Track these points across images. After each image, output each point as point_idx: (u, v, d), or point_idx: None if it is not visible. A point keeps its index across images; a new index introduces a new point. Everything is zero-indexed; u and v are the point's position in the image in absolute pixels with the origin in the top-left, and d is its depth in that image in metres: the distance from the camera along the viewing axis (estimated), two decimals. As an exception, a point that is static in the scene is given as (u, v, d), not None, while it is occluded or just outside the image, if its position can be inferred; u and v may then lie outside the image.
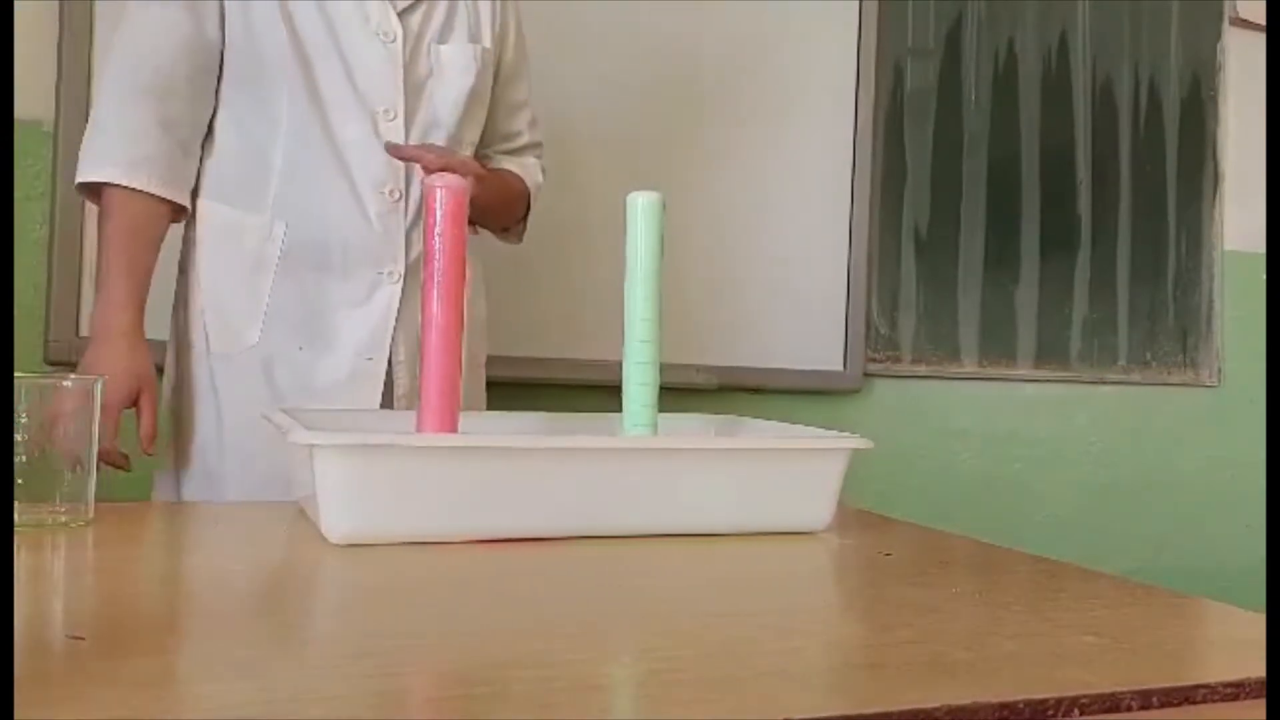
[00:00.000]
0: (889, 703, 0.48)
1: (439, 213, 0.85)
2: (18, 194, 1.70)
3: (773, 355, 2.24)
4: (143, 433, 1.20)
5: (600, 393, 2.00)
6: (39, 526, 0.80)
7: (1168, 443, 2.64)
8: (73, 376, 0.80)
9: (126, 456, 1.19)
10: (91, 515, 0.83)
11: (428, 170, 1.17)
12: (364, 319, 1.27)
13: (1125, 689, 0.52)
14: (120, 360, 1.19)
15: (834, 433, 0.94)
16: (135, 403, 1.20)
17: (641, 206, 0.94)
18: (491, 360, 1.49)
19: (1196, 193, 2.67)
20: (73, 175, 1.70)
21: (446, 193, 0.86)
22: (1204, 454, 2.68)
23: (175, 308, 1.31)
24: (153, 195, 1.22)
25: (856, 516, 0.99)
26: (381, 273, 1.27)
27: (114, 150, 1.22)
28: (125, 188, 1.21)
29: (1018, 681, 0.53)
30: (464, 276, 0.87)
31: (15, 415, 0.76)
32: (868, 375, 2.34)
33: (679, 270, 2.14)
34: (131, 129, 1.22)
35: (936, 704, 0.48)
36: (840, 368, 2.31)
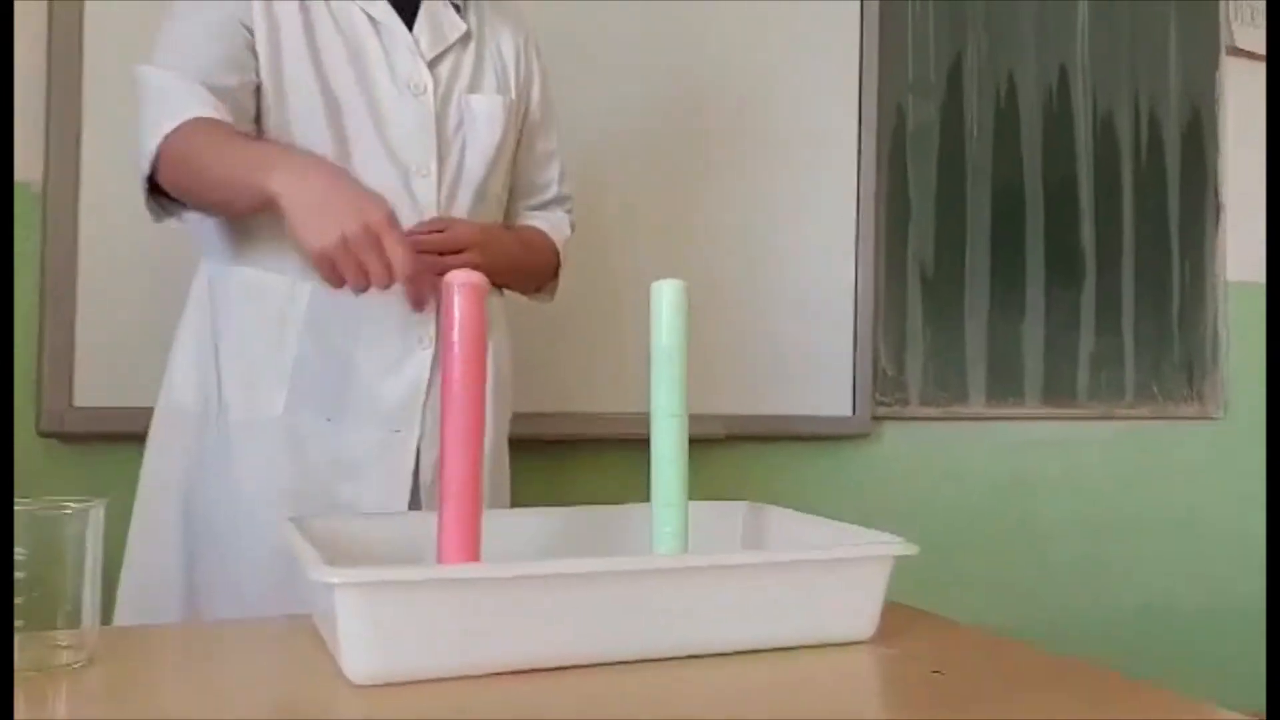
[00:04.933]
0: None
1: (456, 316, 0.81)
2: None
3: (779, 401, 2.20)
4: (400, 261, 1.03)
5: (624, 448, 1.94)
6: (39, 670, 0.74)
7: (1176, 477, 2.60)
8: (73, 503, 0.75)
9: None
10: (95, 648, 0.78)
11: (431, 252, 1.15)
12: (394, 388, 1.22)
13: None
14: (357, 183, 1.05)
15: (874, 533, 0.90)
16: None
17: (667, 296, 0.89)
18: (513, 417, 1.44)
19: (1199, 223, 2.65)
20: (64, 238, 1.66)
21: (465, 291, 0.82)
22: (1212, 488, 2.64)
23: (184, 370, 1.24)
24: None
25: (899, 617, 0.94)
26: (412, 339, 1.22)
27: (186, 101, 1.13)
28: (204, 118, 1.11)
29: None
30: (484, 387, 0.83)
31: (13, 551, 0.71)
32: (876, 419, 2.30)
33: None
34: (192, 93, 1.13)
35: None
36: (849, 412, 2.27)
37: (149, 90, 1.16)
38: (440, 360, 0.83)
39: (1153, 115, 2.59)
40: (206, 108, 1.12)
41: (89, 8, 1.65)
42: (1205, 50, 2.66)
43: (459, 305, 0.81)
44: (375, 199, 1.04)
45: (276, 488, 1.18)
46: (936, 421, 2.39)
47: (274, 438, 1.19)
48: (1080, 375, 2.52)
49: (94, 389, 1.66)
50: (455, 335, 0.81)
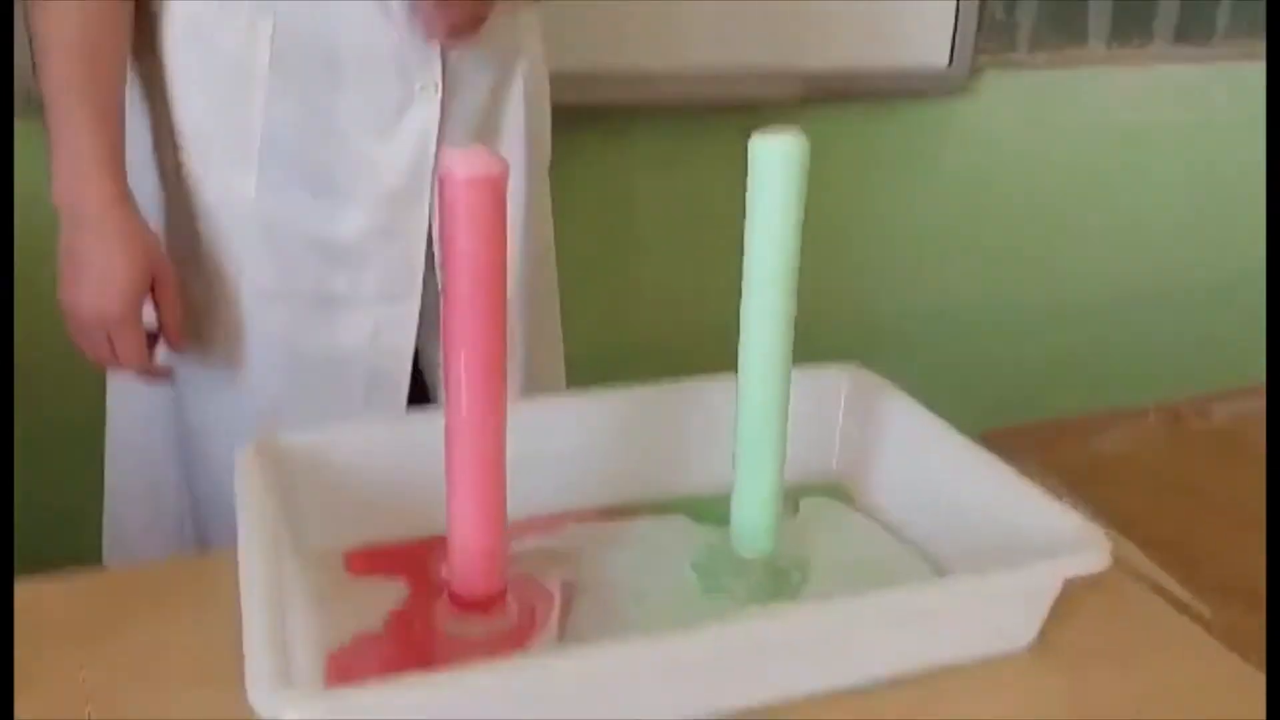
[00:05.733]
0: None
1: (462, 227, 0.53)
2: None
3: (863, 53, 1.85)
4: (169, 326, 0.92)
5: (667, 118, 1.70)
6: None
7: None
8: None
9: (169, 367, 0.95)
10: None
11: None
12: (394, 150, 0.94)
13: None
14: (116, 251, 0.87)
15: (1046, 502, 0.66)
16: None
17: (775, 158, 0.60)
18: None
19: None
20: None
21: (472, 191, 0.53)
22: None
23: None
24: None
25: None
26: (413, 86, 0.93)
27: None
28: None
29: None
30: (504, 332, 0.57)
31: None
32: (977, 69, 1.96)
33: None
34: None
35: None
36: (945, 63, 1.92)
37: None
38: (443, 297, 0.57)
39: None
40: None
41: None
42: None
43: (466, 216, 0.53)
44: (120, 276, 0.87)
45: (255, 291, 0.95)
46: (1047, 70, 2.04)
47: (246, 227, 0.94)
48: (1221, 7, 2.12)
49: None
50: (462, 265, 0.54)
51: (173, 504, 1.05)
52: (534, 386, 1.07)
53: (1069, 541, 0.62)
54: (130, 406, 1.03)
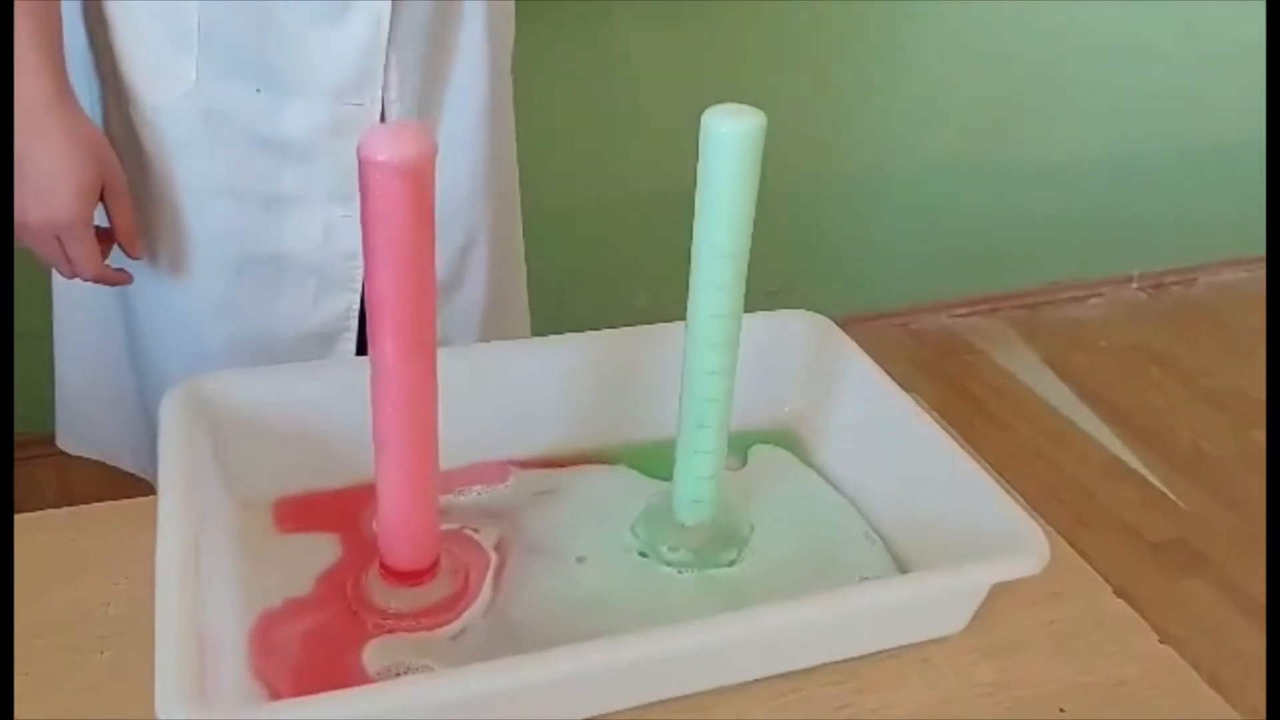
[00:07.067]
0: None
1: (383, 224, 0.49)
2: None
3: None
4: (121, 231, 0.87)
5: None
6: None
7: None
8: None
9: (125, 270, 0.89)
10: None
11: None
12: (341, 44, 0.87)
13: None
14: (63, 154, 0.81)
15: (997, 499, 0.64)
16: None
17: (730, 141, 0.55)
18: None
19: None
20: None
21: (390, 178, 0.49)
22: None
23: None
24: None
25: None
26: None
27: None
28: None
29: None
30: (432, 321, 0.53)
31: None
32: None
33: None
34: None
35: None
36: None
37: None
38: (367, 283, 0.53)
39: None
40: None
41: None
42: None
43: (389, 203, 0.49)
44: (68, 180, 0.80)
45: (202, 188, 0.91)
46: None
47: (189, 121, 0.88)
48: None
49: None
50: (386, 256, 0.50)
51: (125, 386, 1.04)
52: (496, 306, 1.04)
53: (1006, 537, 0.61)
54: (74, 293, 1.00)
